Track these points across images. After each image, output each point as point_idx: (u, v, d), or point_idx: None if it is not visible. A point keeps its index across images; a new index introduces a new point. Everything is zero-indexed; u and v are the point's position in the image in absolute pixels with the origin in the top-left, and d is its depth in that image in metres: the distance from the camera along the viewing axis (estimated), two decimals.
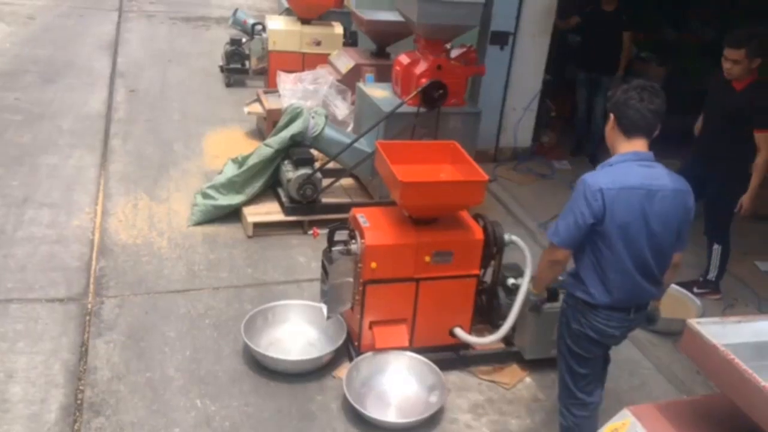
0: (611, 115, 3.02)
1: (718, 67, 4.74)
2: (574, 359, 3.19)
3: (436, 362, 3.95)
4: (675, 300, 4.96)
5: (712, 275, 5.11)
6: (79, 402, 3.66)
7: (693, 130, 5.15)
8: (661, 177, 2.95)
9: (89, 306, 4.42)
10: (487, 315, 4.29)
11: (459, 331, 4.10)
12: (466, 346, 4.18)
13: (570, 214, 2.95)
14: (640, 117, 2.92)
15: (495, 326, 4.12)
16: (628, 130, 2.96)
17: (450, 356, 4.15)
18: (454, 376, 4.10)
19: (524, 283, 3.93)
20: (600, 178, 2.92)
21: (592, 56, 7.32)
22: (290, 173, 5.41)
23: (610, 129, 3.04)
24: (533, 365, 4.18)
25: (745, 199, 4.69)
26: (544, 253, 3.18)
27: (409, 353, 4.00)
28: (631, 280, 2.99)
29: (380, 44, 7.02)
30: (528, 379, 4.15)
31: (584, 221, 2.91)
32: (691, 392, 4.10)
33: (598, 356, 3.21)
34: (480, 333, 4.20)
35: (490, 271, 4.24)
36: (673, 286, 5.01)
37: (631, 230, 2.91)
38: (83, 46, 9.67)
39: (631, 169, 2.93)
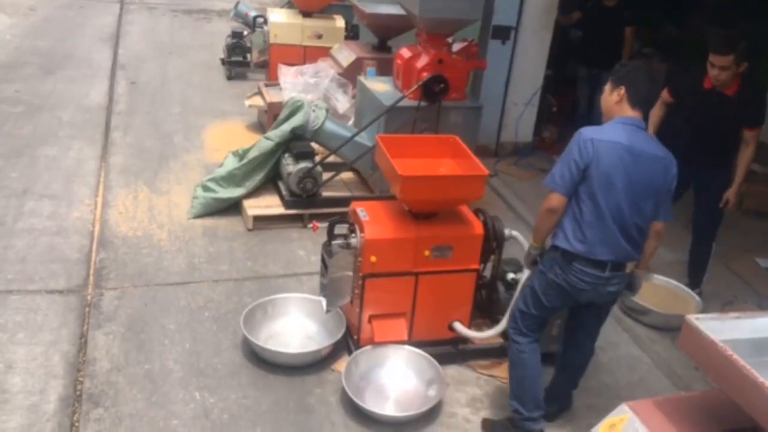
0: (622, 88, 3.25)
1: (696, 73, 4.64)
2: (533, 300, 3.46)
3: (435, 356, 3.95)
4: (674, 295, 4.96)
5: (705, 278, 5.09)
6: (78, 393, 3.67)
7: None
8: (648, 142, 3.23)
9: (89, 298, 4.42)
10: (486, 309, 4.29)
11: (458, 326, 4.10)
12: (465, 340, 4.18)
13: (566, 162, 3.21)
14: (648, 94, 3.29)
15: (494, 321, 4.12)
16: (635, 102, 3.25)
17: (449, 350, 4.16)
18: (453, 370, 4.10)
19: (523, 278, 3.93)
20: (593, 131, 3.23)
21: (593, 52, 7.31)
22: (290, 166, 5.41)
23: (616, 98, 3.27)
24: None
25: (730, 194, 4.68)
26: (544, 202, 3.32)
27: (407, 347, 4.01)
28: (606, 231, 3.18)
29: (382, 38, 7.01)
30: None
31: (576, 167, 3.17)
32: (690, 388, 4.11)
33: (557, 308, 3.48)
34: (479, 327, 4.21)
35: (489, 265, 4.23)
36: (671, 281, 5.02)
37: (612, 181, 3.14)
38: (84, 37, 9.66)
39: (623, 130, 3.21)
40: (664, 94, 4.78)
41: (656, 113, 4.81)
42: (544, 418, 3.56)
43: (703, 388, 3.86)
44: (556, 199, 3.24)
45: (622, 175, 3.14)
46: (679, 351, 3.52)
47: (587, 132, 3.21)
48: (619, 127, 3.22)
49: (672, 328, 4.48)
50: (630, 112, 3.24)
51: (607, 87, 3.32)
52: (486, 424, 3.72)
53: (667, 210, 3.31)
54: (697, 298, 4.91)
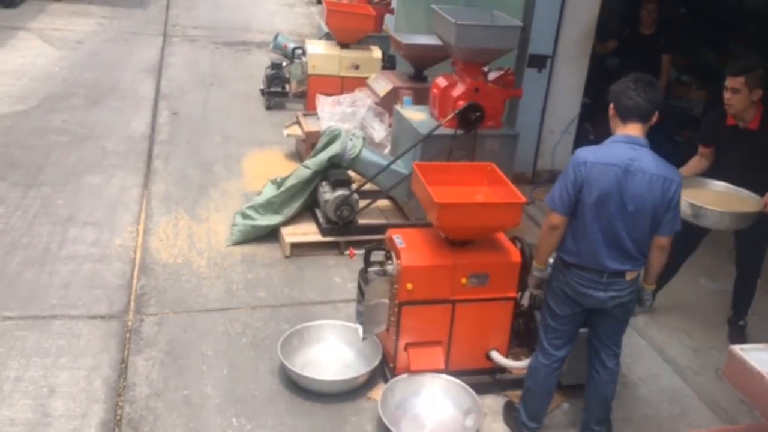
0: (612, 105, 3.37)
1: (718, 112, 4.55)
2: (548, 312, 3.59)
3: (472, 385, 3.92)
4: (731, 197, 4.51)
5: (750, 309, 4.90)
6: (118, 418, 3.72)
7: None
8: (644, 160, 3.24)
9: (130, 323, 4.49)
10: (524, 339, 4.25)
11: (495, 355, 4.06)
12: (503, 369, 4.14)
13: (562, 183, 3.33)
14: (634, 104, 3.28)
15: (532, 350, 4.07)
16: (624, 116, 3.33)
17: (486, 380, 4.12)
18: (491, 400, 4.06)
19: None
20: (587, 152, 3.32)
21: None
22: (327, 194, 5.46)
23: (611, 116, 3.40)
24: (570, 391, 4.11)
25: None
26: (544, 221, 3.47)
27: (444, 376, 3.98)
28: (598, 246, 3.29)
29: (418, 67, 7.07)
30: (565, 405, 4.09)
31: (572, 188, 3.28)
32: (735, 422, 4.00)
33: (568, 315, 3.52)
34: (517, 357, 4.16)
35: (527, 294, 4.20)
36: (728, 185, 4.57)
37: (605, 202, 3.23)
38: (128, 69, 9.92)
39: (617, 149, 3.28)
40: (700, 149, 4.71)
41: (696, 165, 4.70)
42: (538, 431, 3.77)
43: (750, 422, 3.75)
44: (556, 218, 3.36)
45: (616, 199, 3.22)
46: (724, 383, 3.45)
47: (582, 154, 3.31)
48: (614, 147, 3.30)
49: (725, 228, 4.32)
50: (623, 128, 3.32)
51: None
52: (507, 404, 4.00)
53: (670, 224, 3.31)
54: (755, 196, 4.39)
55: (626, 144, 3.28)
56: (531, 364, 3.73)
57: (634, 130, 3.31)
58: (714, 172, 4.64)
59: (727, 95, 4.37)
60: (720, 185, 4.52)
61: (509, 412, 3.93)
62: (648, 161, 3.24)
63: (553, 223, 3.38)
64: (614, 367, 3.64)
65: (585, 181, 3.24)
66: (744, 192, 4.43)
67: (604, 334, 3.58)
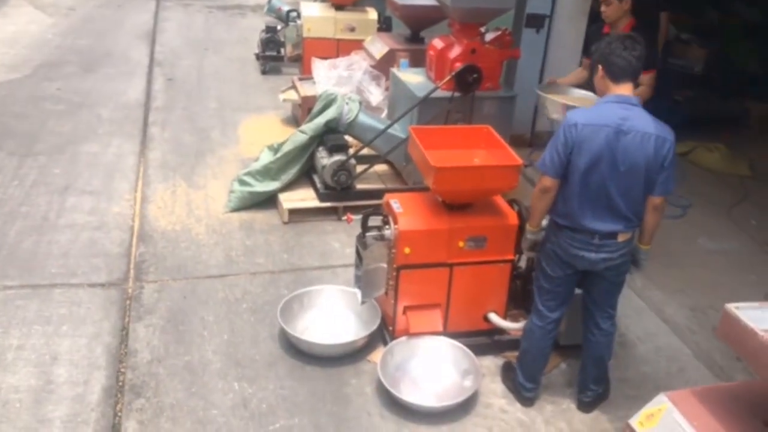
0: (599, 66, 3.34)
1: (597, 25, 4.98)
2: (542, 274, 3.60)
3: (471, 347, 3.95)
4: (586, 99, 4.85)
5: None
6: (120, 384, 3.76)
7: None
8: (636, 119, 3.22)
9: (129, 291, 4.52)
10: (521, 300, 4.27)
11: (493, 316, 4.09)
12: (501, 331, 4.17)
13: (553, 146, 3.31)
14: (627, 64, 3.26)
15: (530, 311, 4.09)
16: (617, 77, 3.29)
17: (484, 341, 4.15)
18: (489, 361, 4.10)
19: None
20: (578, 114, 3.31)
21: None
22: (324, 159, 5.44)
23: (600, 78, 3.37)
24: (568, 351, 4.14)
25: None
26: (537, 185, 3.44)
27: (443, 338, 4.01)
28: (590, 207, 3.29)
29: (414, 29, 6.99)
30: (563, 365, 4.13)
31: (563, 151, 3.27)
32: (731, 379, 4.04)
33: (561, 276, 3.52)
34: (515, 318, 4.19)
35: (524, 256, 4.21)
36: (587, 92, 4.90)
37: (596, 164, 3.22)
38: (122, 36, 9.82)
39: (608, 109, 3.26)
40: (583, 60, 5.02)
41: (577, 75, 5.09)
42: (536, 391, 3.81)
43: (745, 379, 3.79)
44: (547, 181, 3.36)
45: (607, 156, 3.20)
46: (721, 342, 3.48)
47: (573, 116, 3.29)
48: (606, 107, 3.27)
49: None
50: (615, 89, 3.29)
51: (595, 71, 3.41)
52: (505, 365, 4.02)
53: (664, 184, 3.29)
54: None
55: (618, 104, 3.26)
56: (526, 326, 3.75)
57: (625, 89, 3.29)
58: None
59: (602, 8, 4.81)
60: (581, 92, 4.95)
61: (507, 372, 3.97)
62: (640, 120, 3.22)
63: (545, 186, 3.37)
64: (609, 328, 3.65)
65: (576, 144, 3.23)
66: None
67: (598, 295, 3.59)
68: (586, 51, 5.10)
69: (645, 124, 3.22)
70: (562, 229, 3.40)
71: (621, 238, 3.36)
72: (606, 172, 3.23)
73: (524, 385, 3.79)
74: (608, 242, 3.35)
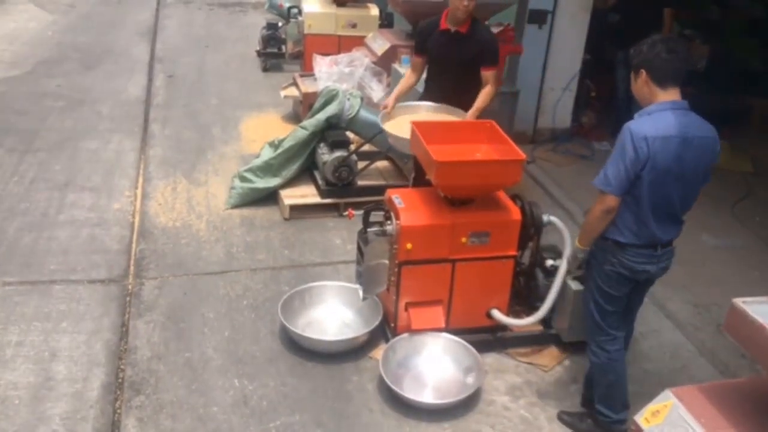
0: (642, 72, 3.11)
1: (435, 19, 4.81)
2: (604, 298, 3.36)
3: (473, 344, 3.92)
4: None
5: None
6: (120, 381, 3.73)
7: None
8: (695, 125, 3.09)
9: (130, 287, 4.49)
10: (525, 297, 4.24)
11: (496, 313, 4.06)
12: (504, 327, 4.14)
13: (619, 162, 3.06)
14: (673, 68, 3.07)
15: (533, 308, 4.07)
16: (664, 82, 3.09)
17: (487, 338, 4.12)
18: (491, 358, 4.06)
19: (563, 265, 3.87)
20: (644, 126, 3.04)
21: (630, 35, 7.11)
22: (326, 156, 5.41)
23: (643, 84, 3.14)
24: (572, 348, 4.12)
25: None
26: (596, 205, 3.18)
27: (445, 335, 3.98)
28: (653, 223, 3.15)
29: (416, 25, 6.95)
30: (567, 362, 4.10)
31: (633, 167, 3.03)
32: (735, 376, 4.00)
33: (624, 293, 3.36)
34: (518, 315, 4.15)
35: (528, 252, 4.18)
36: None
37: (666, 176, 3.05)
38: (122, 32, 9.80)
39: (668, 117, 3.06)
40: (415, 59, 4.93)
41: (408, 82, 4.98)
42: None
43: (750, 376, 3.76)
44: (612, 200, 3.11)
45: (675, 169, 3.05)
46: (725, 338, 3.45)
47: (638, 129, 3.03)
48: (665, 116, 3.06)
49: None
50: (663, 95, 3.09)
51: (632, 76, 3.19)
52: (564, 416, 3.68)
53: (708, 174, 3.22)
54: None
55: (675, 111, 3.06)
56: (600, 361, 3.44)
57: (675, 94, 3.09)
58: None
59: (465, 2, 4.63)
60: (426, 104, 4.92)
61: (583, 422, 3.62)
62: (698, 125, 3.10)
63: (610, 206, 3.12)
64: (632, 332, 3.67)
65: (650, 159, 3.00)
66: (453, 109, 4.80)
67: (635, 303, 3.52)
68: (418, 47, 4.92)
69: (704, 128, 3.11)
70: (625, 248, 3.20)
71: (674, 243, 3.30)
72: (671, 182, 3.08)
73: (620, 419, 3.48)
74: (668, 250, 3.27)
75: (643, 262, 3.23)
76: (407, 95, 5.06)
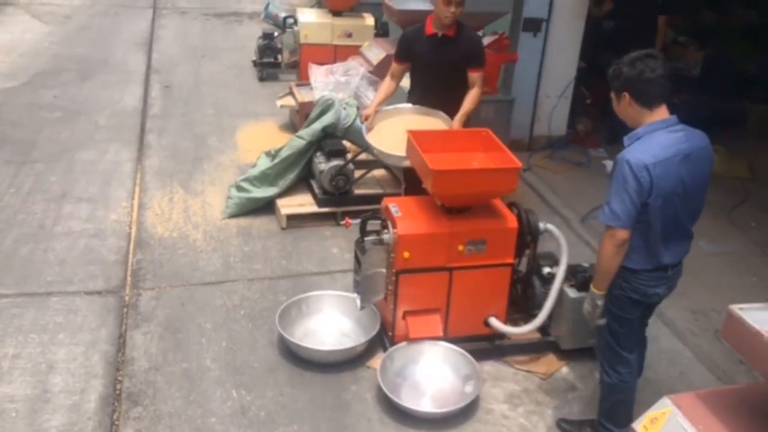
0: (625, 95, 3.02)
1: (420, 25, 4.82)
2: (617, 322, 3.31)
3: (471, 352, 3.92)
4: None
5: None
6: (117, 392, 3.72)
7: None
8: (690, 138, 3.05)
9: (127, 298, 4.48)
10: (522, 304, 4.24)
11: (494, 321, 4.05)
12: (502, 335, 4.13)
13: (623, 195, 2.97)
14: (658, 86, 2.98)
15: (531, 316, 4.07)
16: (651, 102, 3.00)
17: (485, 346, 4.12)
18: (490, 366, 4.06)
19: (560, 272, 3.88)
20: (640, 154, 2.95)
21: (626, 42, 7.14)
22: (322, 165, 5.41)
23: (627, 106, 3.04)
24: (570, 355, 4.12)
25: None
26: (606, 242, 3.09)
27: (443, 343, 3.98)
28: (671, 244, 3.13)
29: None
30: (565, 369, 4.10)
31: (639, 197, 2.96)
32: (733, 382, 4.00)
33: (637, 315, 3.32)
34: (515, 323, 4.16)
35: (525, 260, 4.18)
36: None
37: (672, 198, 3.02)
38: (119, 43, 9.79)
39: (663, 138, 2.99)
40: (395, 66, 4.95)
41: (387, 89, 4.99)
42: None
43: (747, 382, 3.76)
44: (623, 233, 3.03)
45: (680, 190, 3.02)
46: (722, 344, 3.45)
47: (636, 159, 2.94)
48: (658, 137, 2.98)
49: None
50: (651, 116, 3.00)
51: (612, 97, 3.10)
52: (563, 424, 3.67)
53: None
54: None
55: (667, 129, 3.00)
56: (611, 381, 3.39)
57: (663, 112, 3.02)
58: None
59: (452, 9, 4.61)
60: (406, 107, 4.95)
61: (580, 429, 3.63)
62: (692, 137, 3.05)
63: (621, 240, 3.04)
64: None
65: (654, 186, 2.94)
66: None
67: (648, 315, 3.51)
68: (400, 54, 4.94)
69: (697, 138, 3.08)
70: (637, 273, 3.15)
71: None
72: (679, 201, 3.04)
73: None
74: (677, 269, 3.25)
75: (654, 285, 3.18)
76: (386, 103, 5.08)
